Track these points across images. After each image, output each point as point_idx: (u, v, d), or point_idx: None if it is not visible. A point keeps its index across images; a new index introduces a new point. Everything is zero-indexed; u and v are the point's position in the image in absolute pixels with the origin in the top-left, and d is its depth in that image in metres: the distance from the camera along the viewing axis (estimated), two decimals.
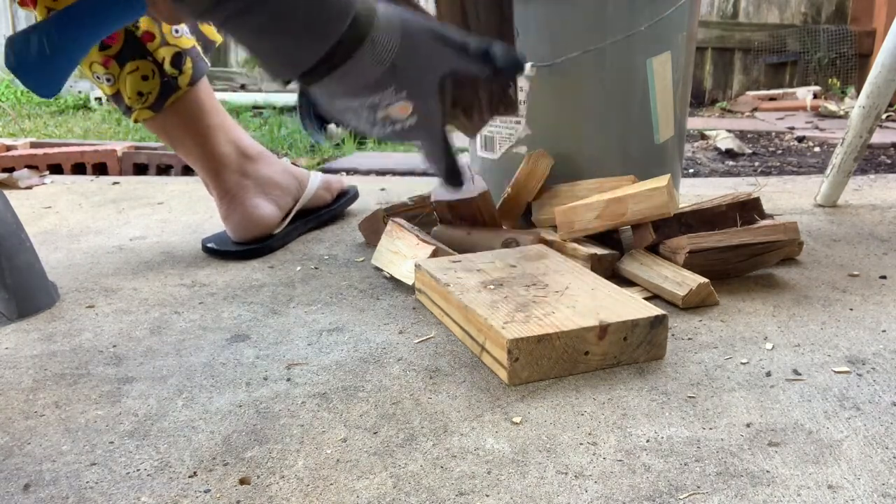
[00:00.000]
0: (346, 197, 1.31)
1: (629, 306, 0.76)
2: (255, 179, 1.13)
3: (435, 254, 0.95)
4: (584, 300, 0.78)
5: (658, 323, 0.74)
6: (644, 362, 0.75)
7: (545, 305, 0.77)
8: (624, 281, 0.94)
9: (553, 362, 0.71)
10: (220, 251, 1.11)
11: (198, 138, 1.10)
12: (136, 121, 1.08)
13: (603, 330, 0.72)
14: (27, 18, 4.34)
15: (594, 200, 0.97)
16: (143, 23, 1.01)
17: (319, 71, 0.58)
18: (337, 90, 0.60)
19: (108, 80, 1.03)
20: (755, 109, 3.40)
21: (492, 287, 0.82)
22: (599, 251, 0.95)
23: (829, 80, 3.62)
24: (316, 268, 1.06)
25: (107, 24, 0.79)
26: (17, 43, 0.73)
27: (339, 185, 1.30)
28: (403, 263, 0.97)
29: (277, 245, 1.13)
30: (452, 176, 0.67)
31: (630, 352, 0.74)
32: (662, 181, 0.94)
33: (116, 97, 1.05)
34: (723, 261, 0.94)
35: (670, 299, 0.89)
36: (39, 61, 0.74)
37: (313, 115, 0.68)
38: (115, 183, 1.65)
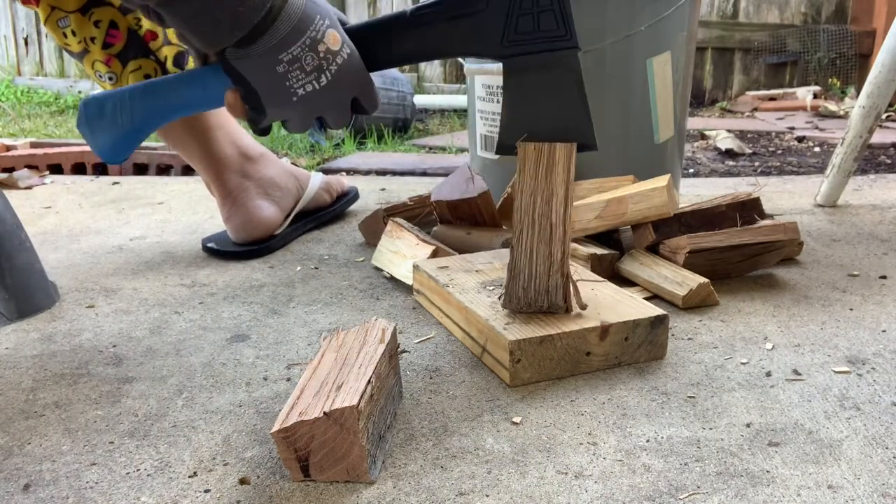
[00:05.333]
0: (347, 198, 1.31)
1: (630, 306, 0.76)
2: (257, 181, 1.13)
3: (435, 254, 0.95)
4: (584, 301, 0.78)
5: (659, 323, 0.75)
6: (645, 362, 0.75)
7: None
8: (624, 281, 0.94)
9: (555, 363, 0.71)
10: (220, 251, 1.11)
11: (199, 139, 1.10)
12: None
13: (604, 330, 0.72)
14: (27, 18, 4.34)
15: (594, 200, 0.97)
16: (146, 22, 1.01)
17: (254, 33, 0.65)
18: (278, 44, 0.65)
19: (110, 78, 1.03)
20: (755, 109, 3.40)
21: (491, 288, 0.82)
22: (599, 251, 0.95)
23: (829, 80, 3.63)
24: (316, 268, 1.06)
25: (187, 107, 0.80)
26: (90, 105, 0.74)
27: (340, 186, 1.30)
28: (403, 263, 0.97)
29: (278, 246, 1.13)
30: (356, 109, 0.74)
31: (631, 352, 0.74)
32: (662, 181, 0.94)
33: None
34: (723, 261, 0.94)
35: (670, 299, 0.89)
36: (109, 127, 0.75)
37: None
38: (115, 183, 1.65)
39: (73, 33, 0.99)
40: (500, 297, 0.77)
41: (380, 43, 0.71)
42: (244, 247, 1.11)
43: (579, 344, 0.72)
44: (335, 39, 0.67)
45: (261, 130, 0.72)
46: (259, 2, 0.63)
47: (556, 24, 0.68)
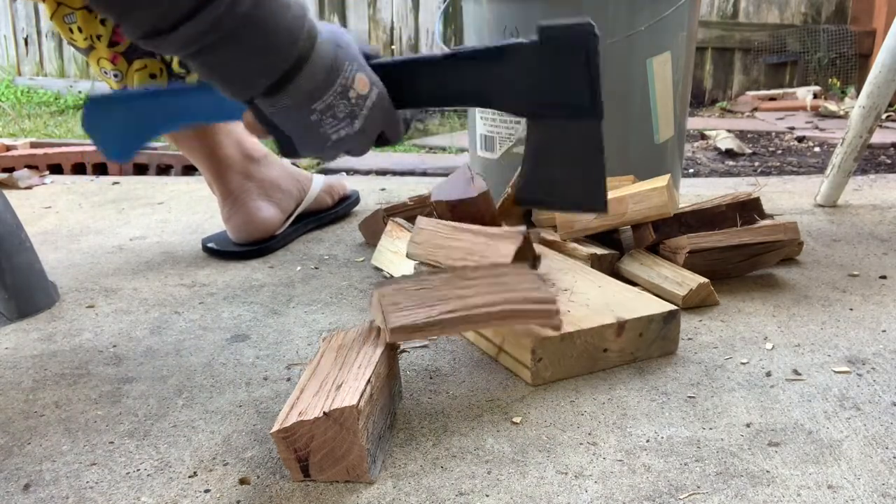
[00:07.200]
0: (348, 201, 1.31)
1: (642, 303, 0.77)
2: (259, 181, 1.13)
3: None
4: (595, 298, 0.78)
5: (672, 318, 0.75)
6: (658, 357, 0.75)
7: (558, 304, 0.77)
8: (624, 281, 0.94)
9: (574, 360, 0.72)
10: (220, 251, 1.11)
11: (203, 139, 1.10)
12: None
13: (621, 326, 0.73)
14: (27, 18, 4.34)
15: None
16: None
17: (283, 81, 0.62)
18: (310, 94, 0.63)
19: (115, 75, 1.03)
20: (755, 109, 3.40)
21: None
22: (599, 251, 0.95)
23: (829, 80, 3.62)
24: (316, 268, 1.06)
25: (200, 117, 0.79)
26: (97, 105, 0.74)
27: (342, 188, 1.30)
28: (403, 263, 0.97)
29: (278, 246, 1.14)
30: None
31: (645, 347, 0.75)
32: (662, 181, 0.94)
33: None
34: (723, 261, 0.94)
35: (670, 299, 0.89)
36: (116, 127, 0.75)
37: None
38: (115, 183, 1.65)
39: (80, 30, 0.99)
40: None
41: (405, 83, 0.71)
42: (244, 247, 1.11)
43: (597, 340, 0.72)
44: (364, 83, 0.66)
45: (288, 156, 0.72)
46: (286, 50, 0.61)
47: (584, 93, 0.69)
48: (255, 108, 0.66)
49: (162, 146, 2.38)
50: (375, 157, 2.38)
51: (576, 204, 0.74)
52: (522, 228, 0.82)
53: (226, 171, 1.11)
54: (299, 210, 1.18)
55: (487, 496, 0.55)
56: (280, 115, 0.65)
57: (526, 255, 0.82)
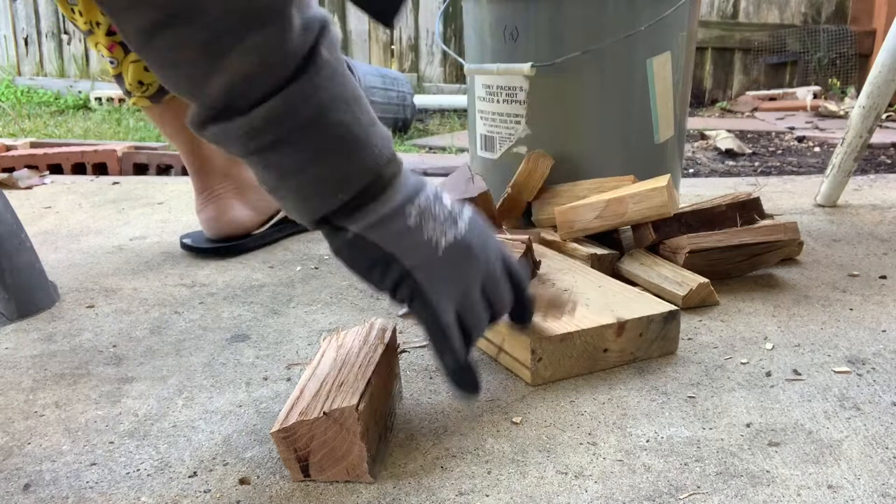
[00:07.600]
0: None
1: (643, 303, 0.77)
2: (235, 180, 1.14)
3: None
4: (595, 298, 0.78)
5: (672, 318, 0.75)
6: (658, 357, 0.75)
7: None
8: (624, 281, 0.94)
9: (573, 360, 0.72)
10: (194, 247, 1.12)
11: (189, 135, 1.10)
12: (134, 104, 1.09)
13: (620, 326, 0.73)
14: (27, 18, 4.34)
15: (594, 200, 0.97)
16: None
17: (362, 197, 0.55)
18: (403, 197, 0.57)
19: (111, 62, 1.04)
20: (755, 109, 3.40)
21: None
22: (599, 251, 0.95)
23: (829, 80, 3.62)
24: (316, 268, 1.06)
25: None
26: None
27: None
28: None
29: (253, 245, 1.14)
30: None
31: (645, 347, 0.75)
32: (662, 181, 0.94)
33: (118, 78, 1.06)
34: (723, 261, 0.94)
35: (670, 299, 0.89)
36: None
37: None
38: (115, 183, 1.65)
39: (80, 13, 1.00)
40: None
41: None
42: (217, 243, 1.12)
43: (597, 341, 0.72)
44: (449, 200, 0.60)
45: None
46: (371, 163, 0.54)
47: None
48: (336, 236, 0.57)
49: (162, 146, 2.37)
50: None
51: (370, 8, 0.76)
52: (525, 237, 0.82)
53: (205, 168, 1.12)
54: (283, 213, 1.18)
55: (487, 496, 0.55)
56: (376, 229, 0.56)
57: (527, 263, 0.82)
